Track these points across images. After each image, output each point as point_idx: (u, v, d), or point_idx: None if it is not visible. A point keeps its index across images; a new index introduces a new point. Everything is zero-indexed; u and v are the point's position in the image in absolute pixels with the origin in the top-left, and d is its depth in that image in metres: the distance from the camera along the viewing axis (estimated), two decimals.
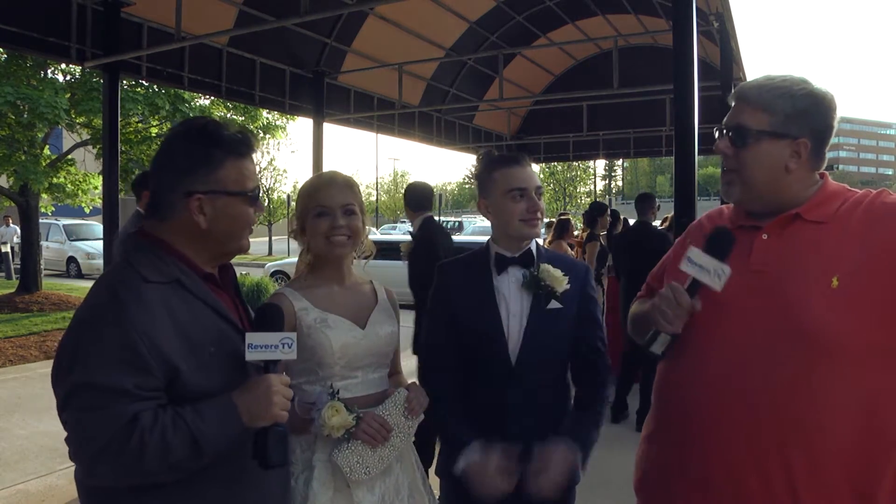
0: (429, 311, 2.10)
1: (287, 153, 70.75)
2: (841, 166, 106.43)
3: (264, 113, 12.42)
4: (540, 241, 2.08)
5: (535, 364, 1.93)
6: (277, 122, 13.31)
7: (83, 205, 12.20)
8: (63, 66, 10.81)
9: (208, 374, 1.37)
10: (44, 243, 16.09)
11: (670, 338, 1.46)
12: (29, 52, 7.03)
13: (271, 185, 28.22)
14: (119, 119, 5.42)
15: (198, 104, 11.23)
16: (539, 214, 1.94)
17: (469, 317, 1.96)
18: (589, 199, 39.24)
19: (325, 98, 7.45)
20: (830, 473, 1.32)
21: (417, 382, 1.98)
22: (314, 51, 7.27)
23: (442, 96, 9.35)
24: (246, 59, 6.74)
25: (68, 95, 10.08)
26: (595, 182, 54.41)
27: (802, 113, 1.43)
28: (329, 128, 11.17)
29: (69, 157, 11.79)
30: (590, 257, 6.39)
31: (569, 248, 6.60)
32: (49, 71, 10.72)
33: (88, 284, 2.91)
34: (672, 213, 6.18)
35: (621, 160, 68.16)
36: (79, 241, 19.27)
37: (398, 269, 5.19)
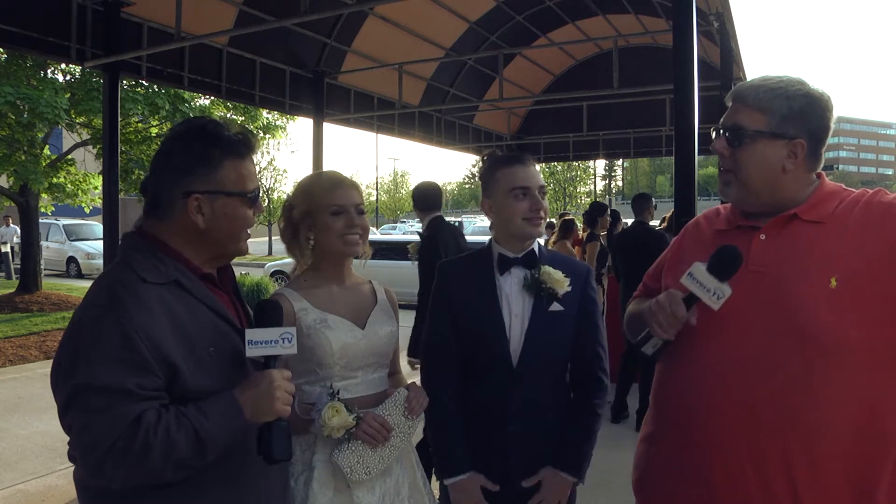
0: (429, 310, 2.09)
1: (287, 153, 70.99)
2: (841, 166, 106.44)
3: (264, 113, 12.42)
4: (542, 242, 2.08)
5: (536, 365, 1.93)
6: (277, 122, 13.31)
7: (83, 205, 12.19)
8: (63, 65, 10.79)
9: (208, 373, 1.37)
10: (44, 243, 16.11)
11: (662, 342, 1.47)
12: (29, 52, 7.01)
13: (271, 185, 28.15)
14: (119, 119, 5.40)
15: (198, 104, 11.24)
16: (542, 214, 1.94)
17: (471, 317, 1.96)
18: (589, 199, 39.25)
19: (325, 98, 7.43)
20: (830, 473, 1.32)
21: (418, 382, 1.98)
22: (314, 51, 7.25)
23: (442, 96, 9.35)
24: (246, 59, 6.72)
25: (68, 95, 10.06)
26: (595, 182, 54.36)
27: (799, 113, 1.43)
28: (329, 128, 11.17)
29: (69, 157, 11.79)
30: (590, 257, 6.40)
31: (572, 249, 6.61)
32: (49, 71, 10.70)
33: (88, 284, 2.90)
34: (670, 212, 6.20)
35: (621, 160, 68.07)
36: (79, 241, 19.27)
37: (398, 269, 5.19)
